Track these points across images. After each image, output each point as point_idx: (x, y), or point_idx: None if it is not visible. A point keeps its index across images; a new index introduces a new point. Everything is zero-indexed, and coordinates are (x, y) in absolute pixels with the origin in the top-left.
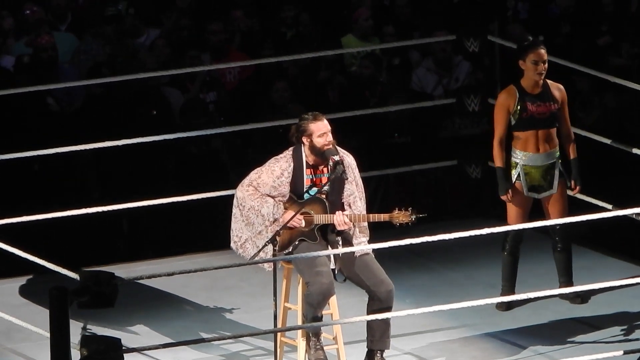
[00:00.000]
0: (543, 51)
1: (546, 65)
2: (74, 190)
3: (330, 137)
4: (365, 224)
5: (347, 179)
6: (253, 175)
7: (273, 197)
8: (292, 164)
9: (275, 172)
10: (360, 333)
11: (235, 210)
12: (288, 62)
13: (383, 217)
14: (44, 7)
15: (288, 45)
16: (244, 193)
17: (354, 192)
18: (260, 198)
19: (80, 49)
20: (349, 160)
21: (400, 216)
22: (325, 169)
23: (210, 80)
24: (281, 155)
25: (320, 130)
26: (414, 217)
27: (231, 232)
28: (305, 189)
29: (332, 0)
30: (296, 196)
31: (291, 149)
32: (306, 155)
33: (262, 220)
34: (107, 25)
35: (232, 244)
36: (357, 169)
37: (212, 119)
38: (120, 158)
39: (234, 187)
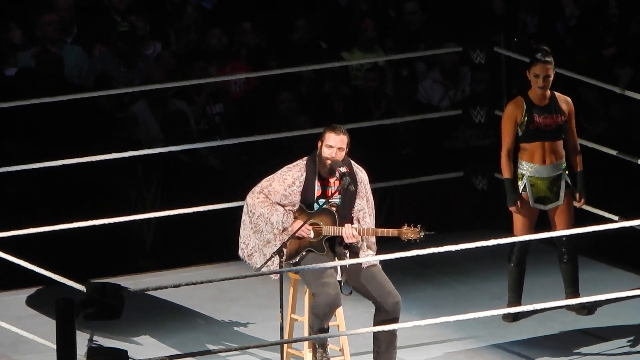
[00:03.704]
0: (547, 66)
1: (549, 79)
2: (80, 201)
3: (336, 153)
4: (374, 239)
5: (353, 190)
6: (264, 182)
7: (283, 206)
8: (304, 174)
9: (287, 180)
10: (367, 344)
11: (244, 217)
12: (297, 73)
13: (392, 232)
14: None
15: (294, 57)
16: (254, 200)
17: (364, 207)
18: (270, 206)
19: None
20: (362, 175)
21: (409, 232)
22: (336, 182)
23: (216, 91)
24: (294, 164)
25: (329, 141)
26: (422, 233)
27: (239, 238)
28: (315, 200)
29: (337, 12)
30: (306, 206)
31: (305, 158)
32: (318, 166)
33: (271, 229)
34: (118, 41)
35: (239, 251)
36: (369, 185)
37: (217, 130)
38: (124, 170)
39: (240, 198)
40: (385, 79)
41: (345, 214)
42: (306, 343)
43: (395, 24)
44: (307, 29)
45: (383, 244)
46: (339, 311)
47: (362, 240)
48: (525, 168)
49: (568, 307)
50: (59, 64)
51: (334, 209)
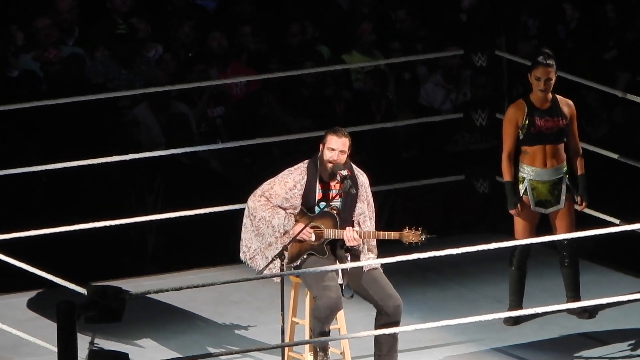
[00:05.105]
0: (548, 69)
1: (551, 82)
2: (81, 204)
3: (338, 156)
4: (374, 242)
5: (354, 193)
6: (265, 185)
7: (284, 209)
8: (305, 177)
9: (288, 183)
10: (368, 348)
11: (245, 220)
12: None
13: (393, 235)
14: (51, 21)
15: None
16: (255, 203)
17: (365, 211)
18: (271, 209)
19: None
20: (363, 179)
21: (410, 235)
22: (337, 185)
23: (217, 94)
24: (295, 167)
25: (331, 144)
26: (424, 237)
27: (241, 242)
28: (316, 203)
29: (337, 15)
30: (307, 209)
31: (306, 161)
32: (319, 169)
33: (272, 232)
34: (117, 43)
35: (241, 254)
36: (369, 189)
37: (218, 133)
38: (126, 172)
39: (241, 201)
40: (385, 82)
41: (346, 217)
42: (307, 346)
43: (395, 27)
44: (309, 31)
45: (384, 247)
46: (340, 314)
47: (363, 244)
48: (526, 171)
49: (569, 310)
50: (80, 64)
51: (335, 212)
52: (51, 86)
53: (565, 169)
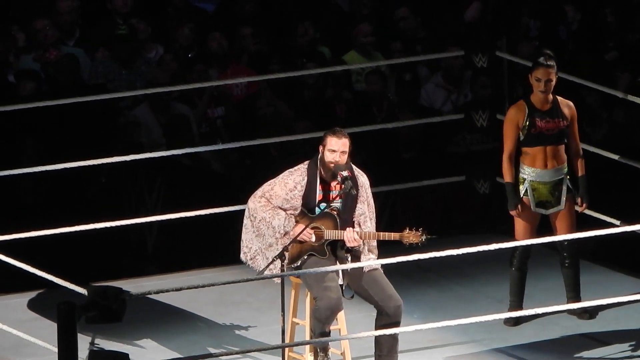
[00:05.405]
0: (549, 70)
1: (551, 83)
2: (82, 205)
3: (339, 157)
4: (375, 242)
5: (354, 194)
6: (266, 187)
7: (285, 210)
8: (305, 178)
9: (288, 184)
10: (368, 348)
11: (246, 221)
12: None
13: (393, 236)
14: (51, 22)
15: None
16: (255, 204)
17: (365, 212)
18: (272, 210)
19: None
20: (363, 180)
21: (411, 236)
22: (338, 186)
23: (217, 95)
24: (295, 168)
25: (332, 145)
26: (424, 237)
27: (241, 242)
28: (316, 204)
29: (337, 16)
30: (307, 210)
31: (306, 162)
32: (320, 170)
33: (272, 232)
34: (117, 44)
35: (241, 255)
36: (370, 189)
37: (218, 133)
38: (126, 173)
39: (242, 202)
40: (386, 83)
41: (346, 218)
42: (307, 347)
43: (396, 27)
44: (310, 32)
45: (384, 248)
46: (341, 315)
47: (364, 244)
48: (527, 172)
49: (569, 311)
50: (76, 65)
51: (336, 213)
52: (50, 87)
53: (565, 170)
